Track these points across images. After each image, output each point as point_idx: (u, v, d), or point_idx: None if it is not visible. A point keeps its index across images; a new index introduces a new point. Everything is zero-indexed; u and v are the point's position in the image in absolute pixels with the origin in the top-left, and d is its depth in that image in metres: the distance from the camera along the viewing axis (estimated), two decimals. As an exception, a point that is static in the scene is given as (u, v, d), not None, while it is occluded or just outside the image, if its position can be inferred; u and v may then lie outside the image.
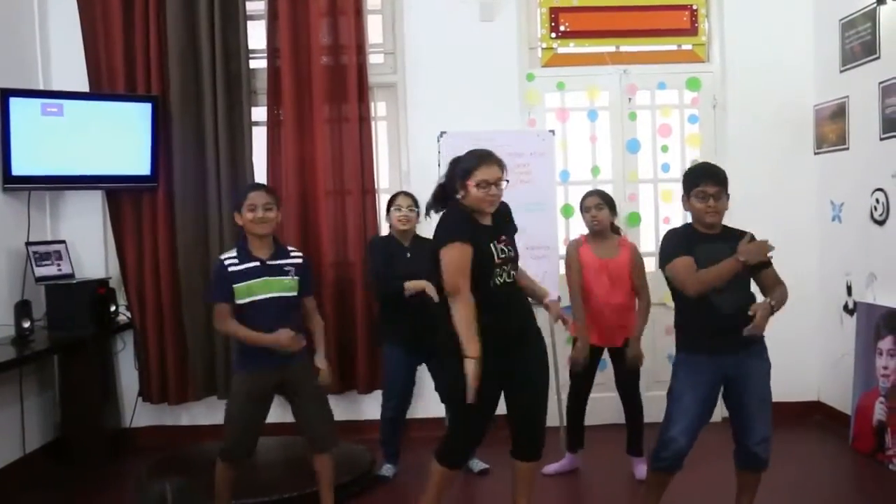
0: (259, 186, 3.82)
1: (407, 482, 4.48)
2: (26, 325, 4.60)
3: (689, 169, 3.64)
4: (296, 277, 3.62)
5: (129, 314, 5.29)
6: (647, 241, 5.52)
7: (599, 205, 4.38)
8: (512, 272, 3.41)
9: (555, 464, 4.55)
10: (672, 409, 3.45)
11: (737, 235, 3.42)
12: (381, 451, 4.64)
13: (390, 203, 4.55)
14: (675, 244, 3.44)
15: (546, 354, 3.53)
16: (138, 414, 5.38)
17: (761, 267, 3.39)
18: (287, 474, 4.35)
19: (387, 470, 4.58)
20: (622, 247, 4.44)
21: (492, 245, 3.33)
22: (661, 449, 3.46)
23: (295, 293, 3.62)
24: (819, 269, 5.42)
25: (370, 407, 5.28)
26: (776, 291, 3.39)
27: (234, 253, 3.58)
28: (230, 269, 3.51)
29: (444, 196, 3.51)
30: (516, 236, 3.55)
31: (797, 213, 5.43)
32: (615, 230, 4.53)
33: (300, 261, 3.68)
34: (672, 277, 3.41)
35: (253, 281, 3.52)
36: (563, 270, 4.61)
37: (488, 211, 3.37)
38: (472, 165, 3.34)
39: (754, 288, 3.47)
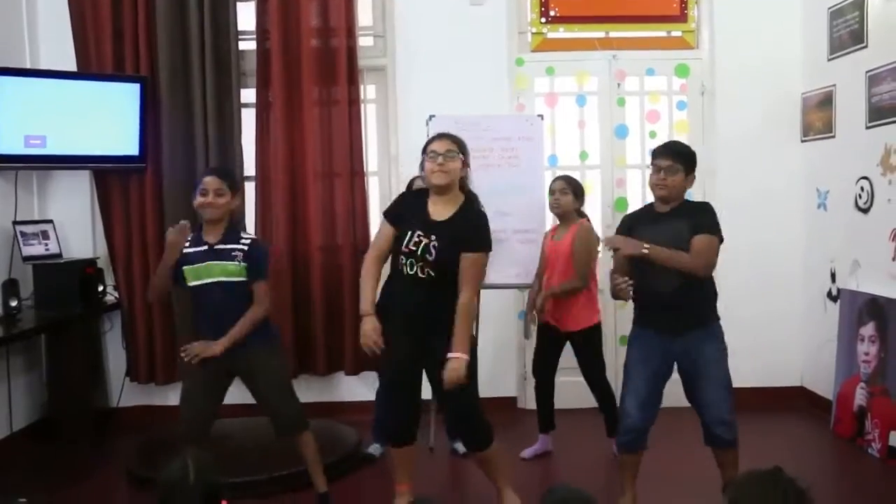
0: (213, 171, 3.84)
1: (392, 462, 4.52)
2: (13, 304, 4.61)
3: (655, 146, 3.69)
4: (243, 263, 3.58)
5: (116, 294, 5.30)
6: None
7: (564, 189, 4.43)
8: (427, 270, 3.37)
9: (530, 448, 4.59)
10: (626, 383, 3.53)
11: (693, 208, 3.51)
12: (370, 431, 4.66)
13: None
14: (622, 231, 3.57)
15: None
16: (126, 393, 5.40)
17: (695, 233, 3.38)
18: (279, 453, 4.36)
19: (374, 449, 4.61)
20: (571, 230, 4.43)
21: (410, 232, 3.39)
22: (620, 424, 3.54)
23: (242, 278, 3.58)
24: (804, 256, 5.47)
25: (357, 388, 5.31)
26: (684, 258, 3.40)
27: (190, 236, 3.63)
28: (183, 249, 3.58)
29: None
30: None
31: (783, 200, 5.46)
32: (581, 215, 4.55)
33: (246, 247, 3.61)
34: None
35: (197, 265, 3.56)
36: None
37: (436, 183, 3.40)
38: (427, 142, 3.49)
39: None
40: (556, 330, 4.46)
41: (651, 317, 3.49)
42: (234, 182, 3.73)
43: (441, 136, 3.48)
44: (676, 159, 3.46)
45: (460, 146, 3.46)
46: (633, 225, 3.54)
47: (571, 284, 4.35)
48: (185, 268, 3.56)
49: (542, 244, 4.58)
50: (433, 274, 3.38)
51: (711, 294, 3.53)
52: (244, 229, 4.76)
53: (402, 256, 3.40)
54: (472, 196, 3.54)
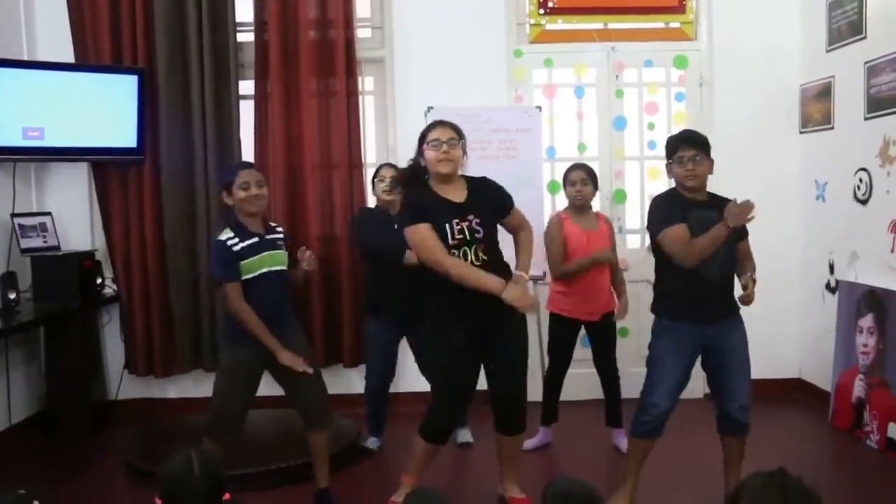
0: (248, 165, 3.82)
1: (391, 455, 4.53)
2: (12, 296, 4.61)
3: (669, 137, 3.66)
4: (285, 251, 3.64)
5: (115, 287, 5.29)
6: (633, 219, 5.56)
7: (585, 180, 4.40)
8: (479, 253, 3.36)
9: (532, 439, 4.58)
10: (653, 373, 3.51)
11: (725, 203, 3.46)
12: (366, 424, 4.67)
13: (375, 175, 4.55)
14: (665, 211, 3.46)
15: (524, 330, 3.54)
16: (124, 386, 5.40)
17: (740, 237, 3.47)
18: (279, 445, 4.38)
19: (371, 443, 4.62)
20: (600, 220, 4.51)
21: (447, 225, 3.34)
22: (642, 413, 3.52)
23: (286, 266, 3.64)
24: (802, 248, 5.47)
25: (356, 380, 5.31)
26: (750, 264, 3.54)
27: (231, 233, 3.52)
28: (234, 248, 3.48)
29: (412, 178, 3.55)
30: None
31: (782, 191, 5.46)
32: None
33: (285, 236, 3.72)
34: (667, 246, 3.42)
35: (254, 258, 3.50)
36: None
37: (442, 171, 3.39)
38: (426, 130, 3.48)
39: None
40: (574, 322, 4.45)
41: (689, 308, 3.45)
42: (262, 173, 3.75)
43: (441, 124, 3.48)
44: (700, 148, 3.46)
45: (459, 133, 3.47)
46: (675, 209, 3.45)
47: (621, 272, 4.54)
48: (242, 263, 3.48)
49: (557, 232, 4.41)
50: (487, 254, 3.38)
51: (734, 283, 3.57)
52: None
53: (454, 251, 3.34)
54: (469, 176, 3.56)
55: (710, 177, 5.14)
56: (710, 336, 3.46)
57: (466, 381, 3.46)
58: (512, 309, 3.31)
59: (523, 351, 3.55)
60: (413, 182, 3.53)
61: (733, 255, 3.50)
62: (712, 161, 3.53)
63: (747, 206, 3.32)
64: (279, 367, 3.55)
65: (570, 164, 4.79)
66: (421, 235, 3.34)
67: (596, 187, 4.48)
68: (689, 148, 3.45)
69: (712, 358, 3.52)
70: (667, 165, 3.57)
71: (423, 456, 3.59)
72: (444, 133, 3.41)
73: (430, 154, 3.41)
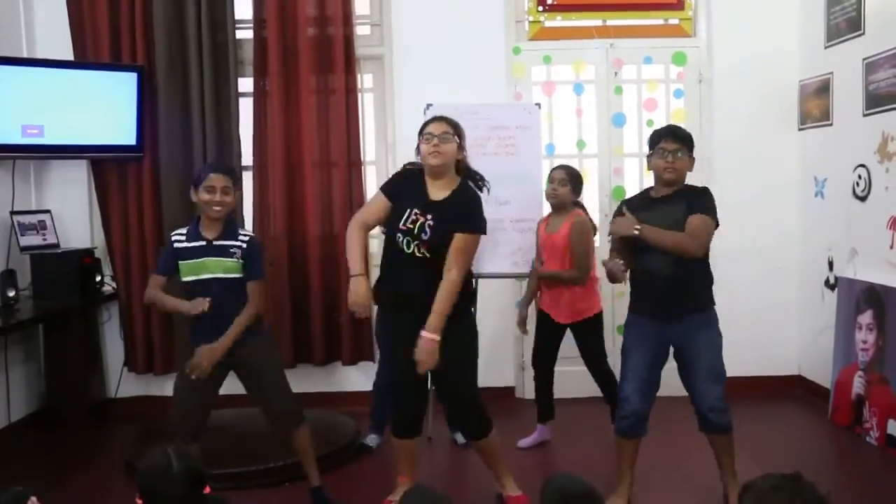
0: (218, 168, 3.73)
1: (390, 453, 4.50)
2: (11, 294, 4.61)
3: (654, 130, 3.68)
4: (241, 260, 3.54)
5: (114, 284, 5.29)
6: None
7: (563, 180, 4.36)
8: (422, 250, 3.37)
9: (528, 437, 4.58)
10: (623, 368, 3.55)
11: (691, 192, 3.50)
12: (368, 421, 4.67)
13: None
14: (614, 214, 3.58)
15: (467, 333, 3.51)
16: (124, 384, 5.40)
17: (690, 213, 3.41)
18: (269, 444, 4.36)
19: (371, 440, 4.61)
20: (566, 222, 4.35)
21: (407, 210, 3.39)
22: (619, 409, 3.56)
23: (239, 275, 3.55)
24: (801, 245, 5.46)
25: (354, 378, 5.32)
26: (669, 236, 3.41)
27: (184, 231, 3.56)
28: (175, 245, 3.52)
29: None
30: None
31: (781, 188, 5.46)
32: (577, 205, 4.49)
33: (244, 244, 3.56)
34: None
35: (194, 260, 3.50)
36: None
37: (430, 163, 3.39)
38: (423, 124, 3.49)
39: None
40: (553, 320, 4.44)
41: (647, 302, 3.51)
42: (236, 179, 3.72)
43: (437, 119, 3.49)
44: (682, 142, 3.48)
45: (456, 128, 3.47)
46: (629, 210, 3.53)
47: (569, 275, 4.32)
48: (181, 263, 3.51)
49: (536, 232, 4.53)
50: (428, 255, 3.37)
51: (706, 278, 3.54)
52: (241, 224, 4.74)
53: (399, 234, 3.39)
54: (471, 176, 3.55)
55: (708, 173, 5.19)
56: (675, 336, 3.48)
57: (406, 369, 3.40)
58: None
59: (463, 354, 3.47)
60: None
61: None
62: (693, 160, 3.54)
63: (627, 224, 3.40)
64: (242, 370, 3.61)
65: (569, 160, 4.81)
66: (370, 202, 3.61)
67: (575, 190, 4.41)
68: (671, 141, 3.47)
69: (680, 358, 3.52)
70: (648, 157, 3.60)
71: (400, 452, 3.61)
72: (438, 127, 3.41)
73: (422, 147, 3.42)
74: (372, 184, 5.41)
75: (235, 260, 3.53)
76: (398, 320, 3.47)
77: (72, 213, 5.31)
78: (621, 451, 3.63)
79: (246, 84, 5.31)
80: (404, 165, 3.76)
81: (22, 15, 5.14)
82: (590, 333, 4.43)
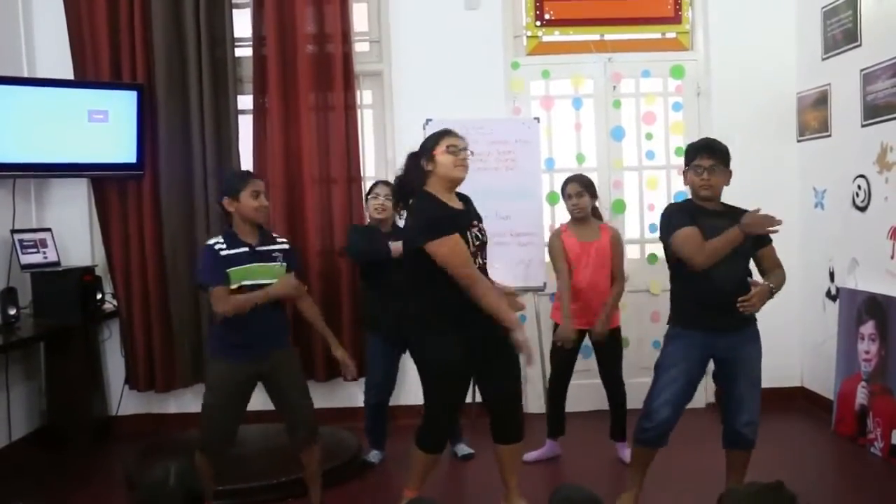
0: (256, 174, 3.78)
1: (393, 468, 4.50)
2: (12, 312, 4.60)
3: (690, 143, 3.65)
4: (283, 263, 3.57)
5: (115, 302, 5.29)
6: (632, 229, 5.57)
7: (580, 192, 4.39)
8: (483, 259, 3.42)
9: (535, 451, 4.56)
10: (659, 379, 3.48)
11: (739, 213, 3.45)
12: (367, 438, 4.66)
13: (369, 192, 4.58)
14: (678, 216, 3.46)
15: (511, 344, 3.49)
16: (125, 402, 5.39)
17: (761, 244, 3.45)
18: (272, 460, 4.36)
19: (373, 456, 4.61)
20: (603, 231, 4.47)
21: (467, 232, 3.35)
22: (645, 420, 3.50)
23: None
24: (802, 256, 5.46)
25: (356, 394, 5.29)
26: (775, 275, 3.47)
27: (220, 238, 3.49)
28: (221, 252, 3.43)
29: (402, 191, 3.55)
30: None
31: (780, 200, 5.40)
32: (597, 215, 4.55)
33: (287, 246, 3.63)
34: (678, 247, 3.40)
35: (242, 266, 3.45)
36: (548, 258, 4.62)
37: (460, 176, 3.38)
38: (437, 136, 3.44)
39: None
40: (577, 332, 4.43)
41: (702, 316, 3.43)
42: None
43: (452, 133, 3.45)
44: (718, 157, 3.45)
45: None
46: (687, 216, 3.45)
47: (620, 289, 4.45)
48: (229, 270, 3.43)
49: (557, 244, 4.44)
50: (483, 261, 3.43)
51: None
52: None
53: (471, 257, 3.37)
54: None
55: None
56: (724, 347, 3.44)
57: (461, 387, 3.44)
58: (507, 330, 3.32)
59: (518, 358, 3.51)
60: (407, 193, 3.51)
61: (746, 264, 3.48)
62: (730, 172, 3.51)
63: (768, 219, 3.30)
64: (270, 380, 3.56)
65: (568, 174, 4.80)
66: (454, 246, 3.26)
67: (593, 196, 4.47)
68: (707, 157, 3.43)
69: (725, 369, 3.49)
70: (683, 172, 3.56)
71: (422, 467, 3.56)
72: (460, 142, 3.40)
73: (446, 158, 3.35)
74: (364, 201, 5.41)
75: (280, 264, 3.55)
76: (460, 338, 3.37)
77: (72, 231, 5.31)
78: (638, 458, 3.60)
79: (245, 101, 5.33)
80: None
81: (22, 34, 5.17)
82: (615, 344, 4.48)
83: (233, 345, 3.47)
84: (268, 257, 3.53)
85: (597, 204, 4.54)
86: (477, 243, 3.38)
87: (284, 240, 3.69)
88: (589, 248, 4.40)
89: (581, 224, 4.46)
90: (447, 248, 3.25)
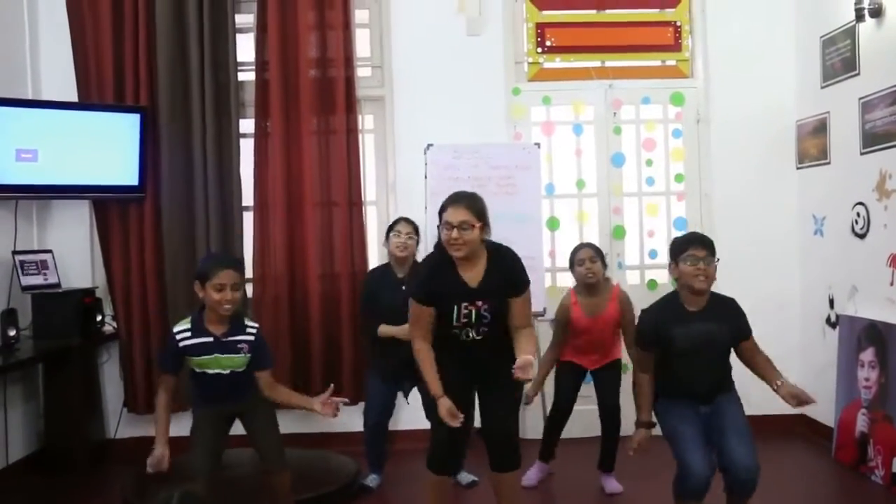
0: (228, 263, 3.58)
1: (391, 493, 4.49)
2: (12, 333, 4.59)
3: (674, 238, 3.66)
4: (248, 354, 3.53)
5: (115, 324, 5.28)
6: (632, 255, 5.58)
7: (593, 258, 4.34)
8: (484, 331, 3.41)
9: (530, 474, 4.55)
10: (679, 443, 3.45)
11: (724, 307, 3.53)
12: (365, 462, 4.64)
13: (390, 229, 4.54)
14: (650, 332, 3.53)
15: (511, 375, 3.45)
16: (123, 425, 5.36)
17: (740, 338, 3.52)
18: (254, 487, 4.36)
19: (371, 480, 4.58)
20: (611, 301, 4.36)
21: (456, 307, 3.35)
22: (685, 481, 3.44)
23: (245, 368, 3.56)
24: (801, 283, 5.47)
25: (356, 419, 5.25)
26: (770, 369, 3.52)
27: (187, 325, 3.49)
28: (181, 343, 3.46)
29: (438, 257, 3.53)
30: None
31: (779, 226, 5.48)
32: (606, 279, 4.50)
33: (252, 337, 3.55)
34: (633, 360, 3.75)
35: (203, 357, 3.48)
36: (548, 283, 4.61)
37: (455, 255, 3.34)
38: (443, 205, 3.39)
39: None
40: (582, 368, 4.45)
41: (679, 396, 3.52)
42: (244, 271, 3.77)
43: (456, 202, 3.36)
44: (711, 250, 3.45)
45: (476, 212, 3.33)
46: (660, 325, 3.49)
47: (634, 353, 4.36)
48: (190, 358, 3.49)
49: (565, 315, 4.40)
50: (488, 332, 3.41)
51: (729, 369, 3.59)
52: (248, 315, 4.61)
53: (456, 330, 3.39)
54: (492, 246, 3.47)
55: (707, 212, 5.22)
56: (708, 411, 3.50)
57: (462, 408, 3.40)
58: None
59: (513, 390, 3.50)
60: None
61: (726, 356, 3.53)
62: (718, 261, 3.50)
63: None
64: (244, 418, 3.69)
65: (569, 200, 4.82)
66: (418, 315, 3.42)
67: (605, 264, 4.42)
68: (700, 248, 3.42)
69: (713, 428, 3.49)
70: (670, 265, 3.53)
71: (431, 491, 3.56)
72: (456, 215, 3.30)
73: (443, 235, 3.35)
74: (373, 224, 5.44)
75: (243, 355, 3.52)
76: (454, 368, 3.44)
77: (73, 252, 5.32)
78: None
79: (247, 125, 5.36)
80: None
81: (28, 57, 5.21)
82: (611, 370, 4.46)
83: (204, 399, 3.61)
84: (232, 348, 3.51)
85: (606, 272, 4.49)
86: (464, 320, 3.37)
87: (254, 328, 3.59)
88: (597, 322, 4.36)
89: (592, 291, 4.38)
90: (413, 311, 3.44)
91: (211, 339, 3.48)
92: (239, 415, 3.69)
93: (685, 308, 3.48)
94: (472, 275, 3.39)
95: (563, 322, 4.42)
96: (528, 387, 4.25)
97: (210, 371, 3.50)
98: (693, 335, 3.42)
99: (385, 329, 4.34)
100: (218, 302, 3.42)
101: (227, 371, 3.51)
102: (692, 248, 3.42)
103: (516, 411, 3.60)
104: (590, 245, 4.47)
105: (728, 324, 3.48)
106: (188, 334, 3.47)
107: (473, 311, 3.36)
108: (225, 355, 3.49)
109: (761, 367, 3.53)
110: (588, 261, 4.35)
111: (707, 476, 3.41)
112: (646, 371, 3.56)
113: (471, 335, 3.41)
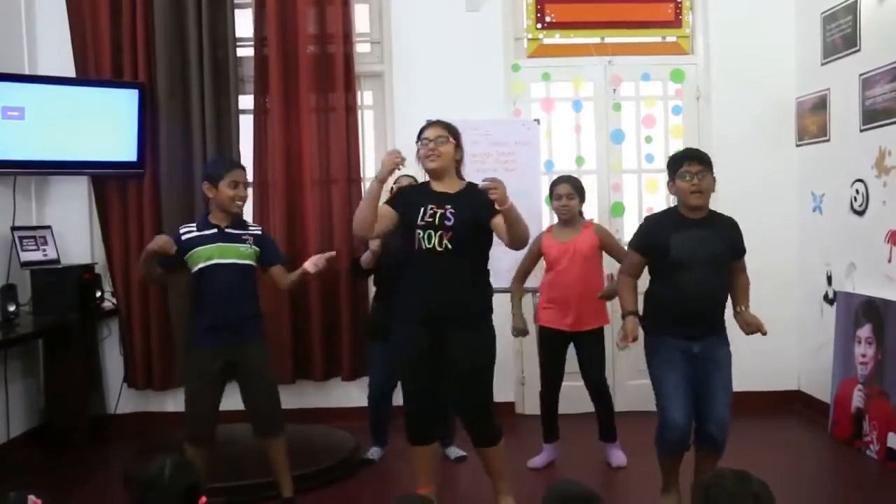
0: (238, 163, 3.87)
1: (393, 466, 4.53)
2: (11, 309, 4.61)
3: (672, 154, 3.68)
4: (254, 247, 3.67)
5: (114, 300, 5.30)
6: (631, 231, 5.46)
7: (571, 194, 4.36)
8: (444, 240, 3.35)
9: (537, 458, 4.53)
10: (660, 394, 3.49)
11: (722, 221, 3.52)
12: (369, 435, 4.66)
13: (395, 182, 4.39)
14: (644, 235, 3.58)
15: (481, 339, 3.46)
16: (123, 400, 5.39)
17: (735, 255, 3.52)
18: (263, 458, 4.35)
19: (373, 453, 4.62)
20: (585, 227, 4.41)
21: (422, 208, 3.40)
22: (666, 431, 3.46)
23: (251, 262, 3.67)
24: (800, 260, 5.49)
25: (355, 394, 5.30)
26: (744, 294, 3.57)
27: (193, 225, 3.68)
28: (184, 237, 3.61)
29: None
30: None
31: (779, 204, 5.49)
32: (581, 216, 4.50)
33: (258, 232, 3.76)
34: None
35: (206, 246, 3.57)
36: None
37: (427, 167, 3.49)
38: (420, 130, 3.57)
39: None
40: (562, 334, 4.39)
41: (672, 323, 3.46)
42: None
43: (432, 124, 3.56)
44: (705, 164, 3.47)
45: (451, 131, 3.51)
46: (658, 230, 3.52)
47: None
48: (193, 251, 3.57)
49: (537, 245, 4.39)
50: (451, 246, 3.35)
51: (725, 303, 3.58)
52: None
53: (419, 230, 3.38)
54: (468, 182, 3.57)
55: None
56: (697, 351, 3.47)
57: (426, 376, 3.43)
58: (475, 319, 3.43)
59: (484, 359, 3.47)
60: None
61: (723, 275, 3.50)
62: (715, 178, 3.52)
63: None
64: (239, 370, 3.65)
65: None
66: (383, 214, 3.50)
67: (582, 199, 4.44)
68: (694, 163, 3.44)
69: (699, 373, 3.49)
70: (668, 183, 3.56)
71: (414, 460, 3.60)
72: (434, 132, 3.48)
73: (420, 152, 3.50)
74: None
75: (248, 246, 3.64)
76: (414, 324, 3.44)
77: (72, 228, 5.32)
78: (668, 468, 3.57)
79: (246, 101, 5.35)
80: (395, 182, 3.79)
81: (24, 32, 5.18)
82: (594, 344, 4.41)
83: (205, 329, 3.59)
84: (236, 239, 3.64)
85: (582, 208, 4.50)
86: (429, 220, 3.38)
87: (258, 227, 3.83)
88: (568, 247, 4.34)
89: (567, 225, 4.42)
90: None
91: (215, 230, 3.60)
92: (233, 365, 3.63)
93: (684, 217, 3.51)
94: (446, 189, 3.49)
95: (534, 250, 4.37)
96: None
97: (218, 262, 3.56)
98: (690, 241, 3.42)
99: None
100: (231, 198, 3.59)
101: (230, 261, 3.57)
102: (686, 163, 3.46)
103: (487, 377, 3.50)
104: (568, 180, 4.46)
105: (725, 236, 3.49)
106: (193, 228, 3.63)
107: (438, 213, 3.38)
108: (229, 245, 3.59)
109: (739, 288, 3.57)
110: (566, 197, 4.37)
111: (686, 431, 3.43)
112: (631, 275, 3.61)
113: (432, 241, 3.35)
